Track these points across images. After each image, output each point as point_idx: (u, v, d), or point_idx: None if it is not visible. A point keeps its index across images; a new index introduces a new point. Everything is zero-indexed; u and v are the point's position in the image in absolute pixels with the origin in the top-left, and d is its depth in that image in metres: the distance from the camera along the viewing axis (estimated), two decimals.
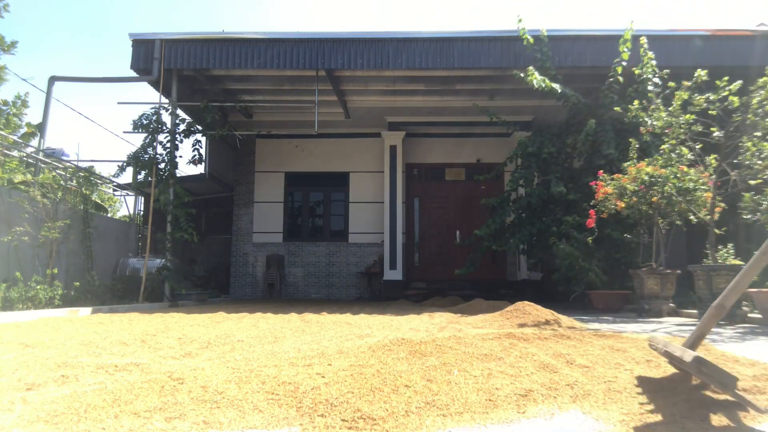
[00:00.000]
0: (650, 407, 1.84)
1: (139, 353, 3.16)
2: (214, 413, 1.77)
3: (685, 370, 2.05)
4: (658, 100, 7.47)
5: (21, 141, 14.36)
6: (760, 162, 6.02)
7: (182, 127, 9.99)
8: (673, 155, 6.86)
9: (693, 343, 2.16)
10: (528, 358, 2.79)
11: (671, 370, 2.48)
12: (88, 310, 7.18)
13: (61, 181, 10.46)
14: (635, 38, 8.80)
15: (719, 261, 6.50)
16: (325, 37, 9.70)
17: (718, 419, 1.73)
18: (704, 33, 9.32)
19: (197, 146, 10.49)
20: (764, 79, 5.99)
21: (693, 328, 5.22)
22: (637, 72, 8.51)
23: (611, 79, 9.09)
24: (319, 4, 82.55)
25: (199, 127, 10.31)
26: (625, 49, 8.94)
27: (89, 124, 42.79)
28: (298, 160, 13.21)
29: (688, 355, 1.92)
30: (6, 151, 11.41)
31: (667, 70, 7.99)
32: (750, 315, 5.87)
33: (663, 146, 7.01)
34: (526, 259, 9.93)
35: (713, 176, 6.62)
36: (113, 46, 63.41)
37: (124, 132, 25.12)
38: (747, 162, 6.17)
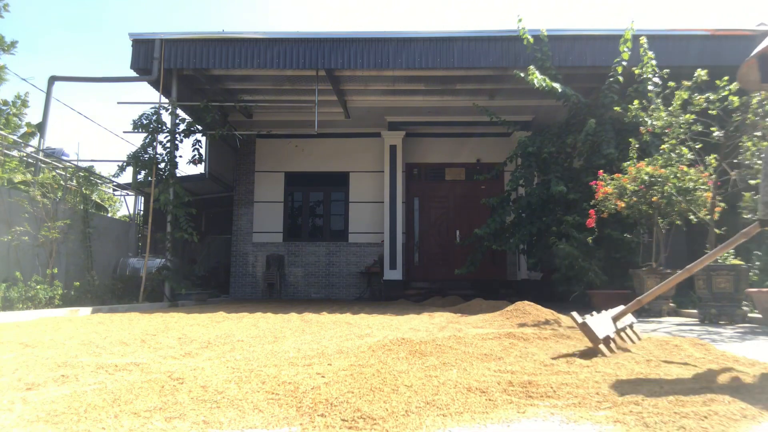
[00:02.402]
0: (649, 406, 1.84)
1: (139, 353, 3.16)
2: (214, 413, 1.77)
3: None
4: (658, 100, 7.47)
5: (21, 141, 14.35)
6: (760, 162, 6.02)
7: (182, 127, 9.99)
8: (673, 155, 6.86)
9: (614, 317, 3.16)
10: (528, 358, 2.80)
11: (674, 369, 2.48)
12: (88, 309, 7.18)
13: (61, 181, 10.46)
14: (635, 38, 8.80)
15: (719, 261, 6.50)
16: (325, 37, 9.70)
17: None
18: (704, 33, 9.32)
19: (197, 146, 10.49)
20: None
21: (693, 327, 5.23)
22: (637, 72, 8.51)
23: (611, 79, 9.08)
24: (319, 4, 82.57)
25: (199, 127, 10.31)
26: (625, 49, 8.94)
27: (89, 123, 42.82)
28: (298, 159, 13.20)
29: (579, 320, 2.86)
30: (6, 151, 11.40)
31: (667, 70, 7.99)
32: (750, 315, 5.87)
33: (663, 146, 7.00)
34: (526, 258, 9.93)
35: (713, 176, 6.62)
36: (113, 45, 63.42)
37: (124, 132, 25.16)
38: (747, 162, 6.17)
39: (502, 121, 10.29)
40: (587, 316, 2.96)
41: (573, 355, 2.89)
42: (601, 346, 2.81)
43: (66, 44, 56.47)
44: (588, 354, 2.92)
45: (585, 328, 2.84)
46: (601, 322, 3.02)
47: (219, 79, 10.88)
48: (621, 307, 3.25)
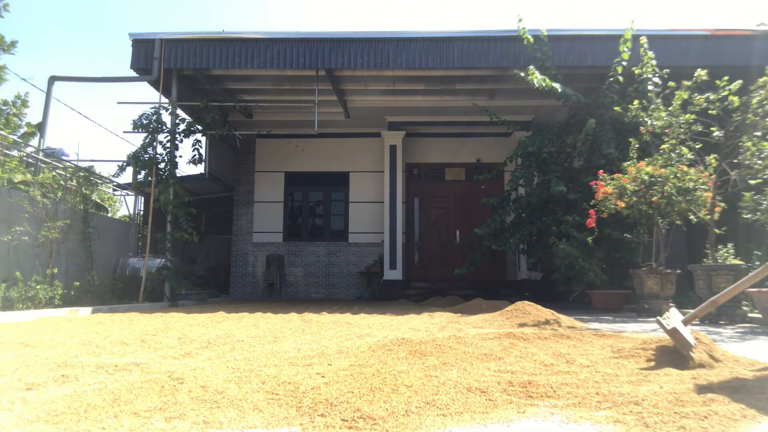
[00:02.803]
0: (649, 406, 1.84)
1: (139, 353, 3.16)
2: (214, 413, 1.77)
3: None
4: (658, 100, 7.47)
5: (21, 141, 14.35)
6: (760, 162, 6.02)
7: (182, 126, 9.98)
8: (673, 155, 6.86)
9: (685, 321, 2.95)
10: (528, 358, 2.80)
11: (674, 369, 2.48)
12: (88, 309, 7.18)
13: (61, 181, 10.45)
14: (635, 38, 8.80)
15: (719, 261, 6.50)
16: (325, 36, 9.70)
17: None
18: (704, 33, 9.32)
19: (197, 146, 10.49)
20: (764, 78, 5.99)
21: (693, 327, 5.23)
22: (637, 72, 8.51)
23: (611, 79, 9.08)
24: (319, 4, 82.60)
25: (199, 127, 10.30)
26: (626, 49, 8.94)
27: (89, 123, 42.84)
28: (298, 159, 13.21)
29: (669, 325, 2.73)
30: (6, 151, 11.40)
31: (667, 70, 7.99)
32: (750, 315, 5.88)
33: (663, 146, 7.00)
34: (526, 258, 9.94)
35: (713, 176, 6.62)
36: (113, 45, 63.45)
37: (124, 132, 25.15)
38: (747, 162, 6.17)
39: (502, 121, 10.30)
40: (669, 319, 2.81)
41: (573, 355, 2.89)
42: (692, 353, 2.65)
43: (66, 44, 56.50)
44: (588, 354, 2.91)
45: (676, 335, 2.66)
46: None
47: (219, 79, 10.88)
48: (672, 309, 3.10)
